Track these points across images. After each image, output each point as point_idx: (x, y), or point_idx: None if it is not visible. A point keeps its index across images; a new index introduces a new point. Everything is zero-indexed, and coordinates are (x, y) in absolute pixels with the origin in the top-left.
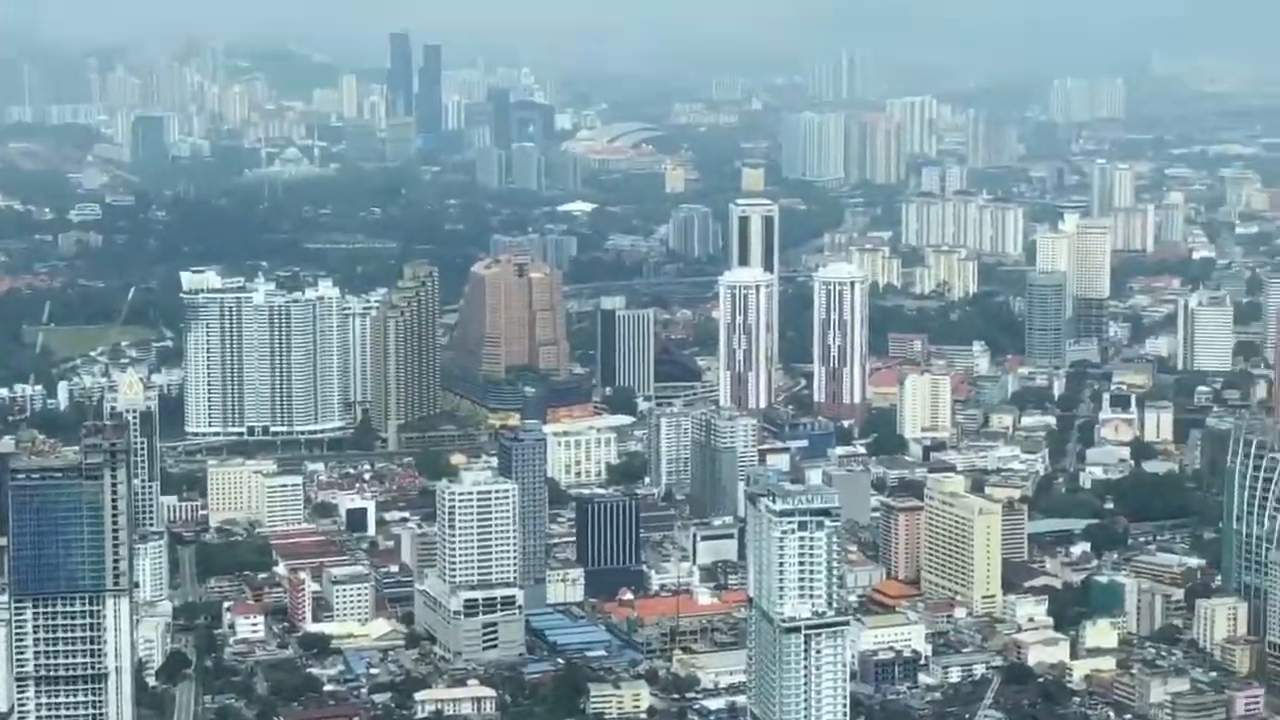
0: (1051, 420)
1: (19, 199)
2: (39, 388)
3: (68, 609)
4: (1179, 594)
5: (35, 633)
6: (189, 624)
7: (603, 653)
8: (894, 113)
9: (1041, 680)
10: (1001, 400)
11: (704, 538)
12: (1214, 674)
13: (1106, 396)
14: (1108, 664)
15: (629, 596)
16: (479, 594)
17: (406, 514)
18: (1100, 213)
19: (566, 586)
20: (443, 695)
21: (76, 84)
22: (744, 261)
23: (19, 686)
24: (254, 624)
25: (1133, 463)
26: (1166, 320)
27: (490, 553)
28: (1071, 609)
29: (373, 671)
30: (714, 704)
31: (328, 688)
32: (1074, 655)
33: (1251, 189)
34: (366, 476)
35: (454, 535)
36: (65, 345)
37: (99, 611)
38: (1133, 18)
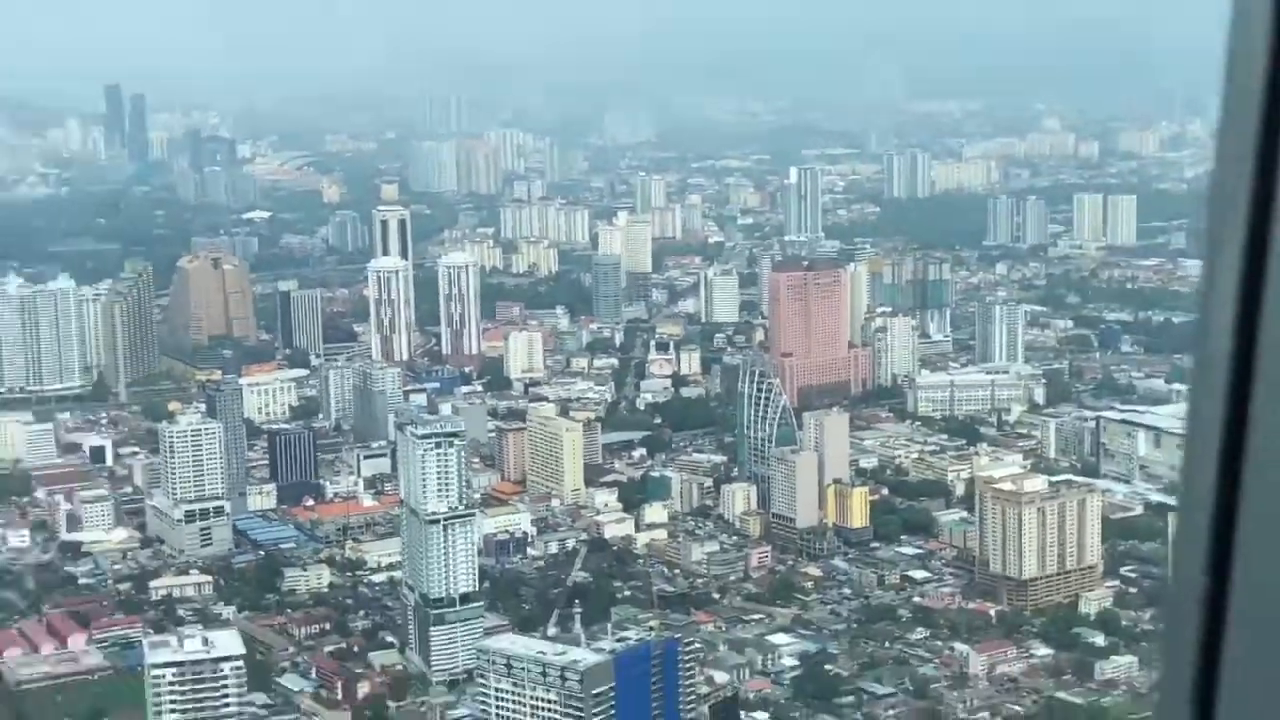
0: (615, 361)
1: None
2: None
3: None
4: (709, 482)
5: None
6: None
7: (293, 545)
8: (491, 139)
9: (615, 549)
10: (578, 348)
11: (365, 457)
12: (735, 538)
13: (653, 343)
14: (661, 535)
15: (311, 503)
16: (196, 505)
17: (136, 449)
18: (641, 211)
19: (263, 497)
20: (171, 582)
21: None
22: (385, 253)
23: None
24: (21, 536)
25: (674, 390)
26: (692, 288)
27: (203, 474)
28: (635, 496)
29: (116, 568)
30: (378, 578)
31: (82, 581)
32: (637, 529)
33: (746, 192)
34: (104, 422)
35: (174, 462)
36: None
37: None
38: (667, 65)
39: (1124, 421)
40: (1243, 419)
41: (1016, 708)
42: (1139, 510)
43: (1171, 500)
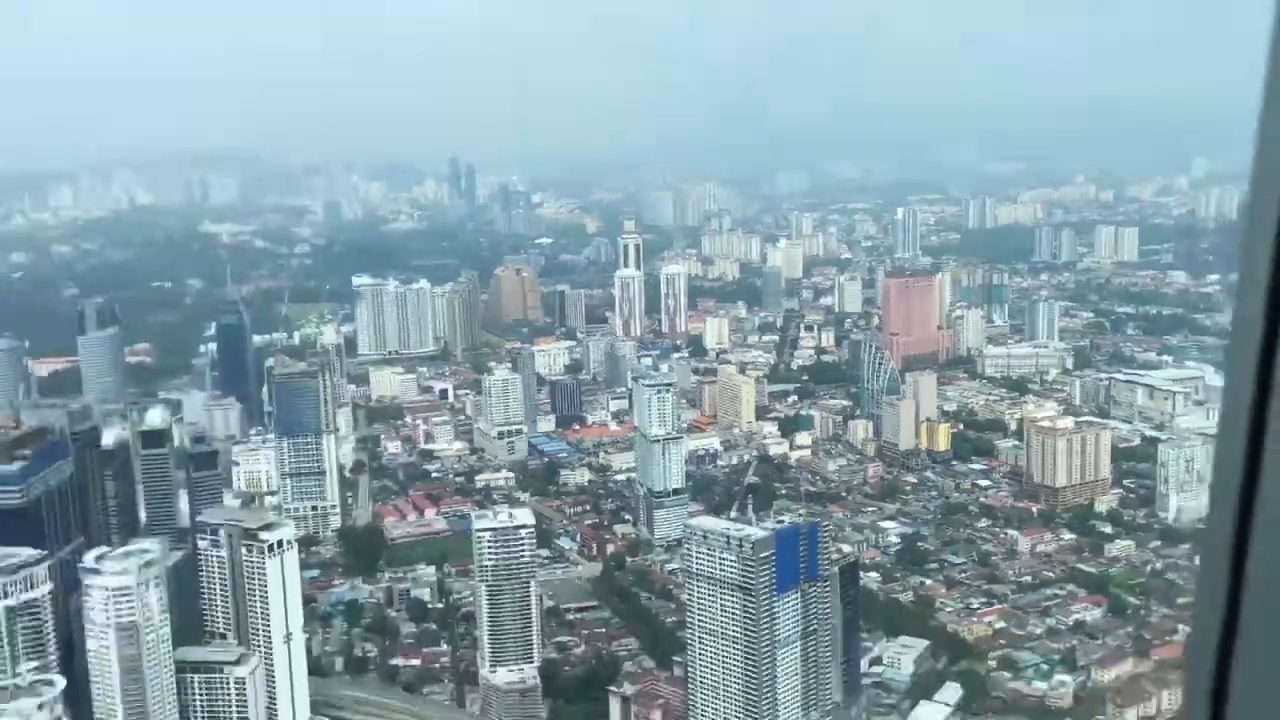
0: (776, 338)
1: (268, 241)
2: (283, 335)
3: (303, 441)
4: (840, 418)
5: (289, 454)
6: (362, 447)
7: (565, 454)
8: (696, 190)
9: (775, 462)
10: (752, 329)
11: (612, 399)
12: (857, 456)
13: (802, 325)
14: (807, 453)
15: (576, 428)
16: (504, 428)
17: (467, 391)
18: (796, 237)
19: (546, 423)
20: (489, 477)
21: (289, 188)
22: (626, 265)
23: (282, 479)
24: (395, 445)
25: (816, 357)
26: (829, 289)
27: (509, 408)
28: (789, 427)
29: (454, 467)
30: (620, 477)
31: (434, 475)
32: (791, 449)
33: (868, 224)
34: (447, 374)
35: (491, 400)
36: (298, 314)
37: (317, 442)
38: (813, 137)
39: (1127, 381)
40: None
41: (1049, 574)
42: (1137, 442)
43: (1160, 435)
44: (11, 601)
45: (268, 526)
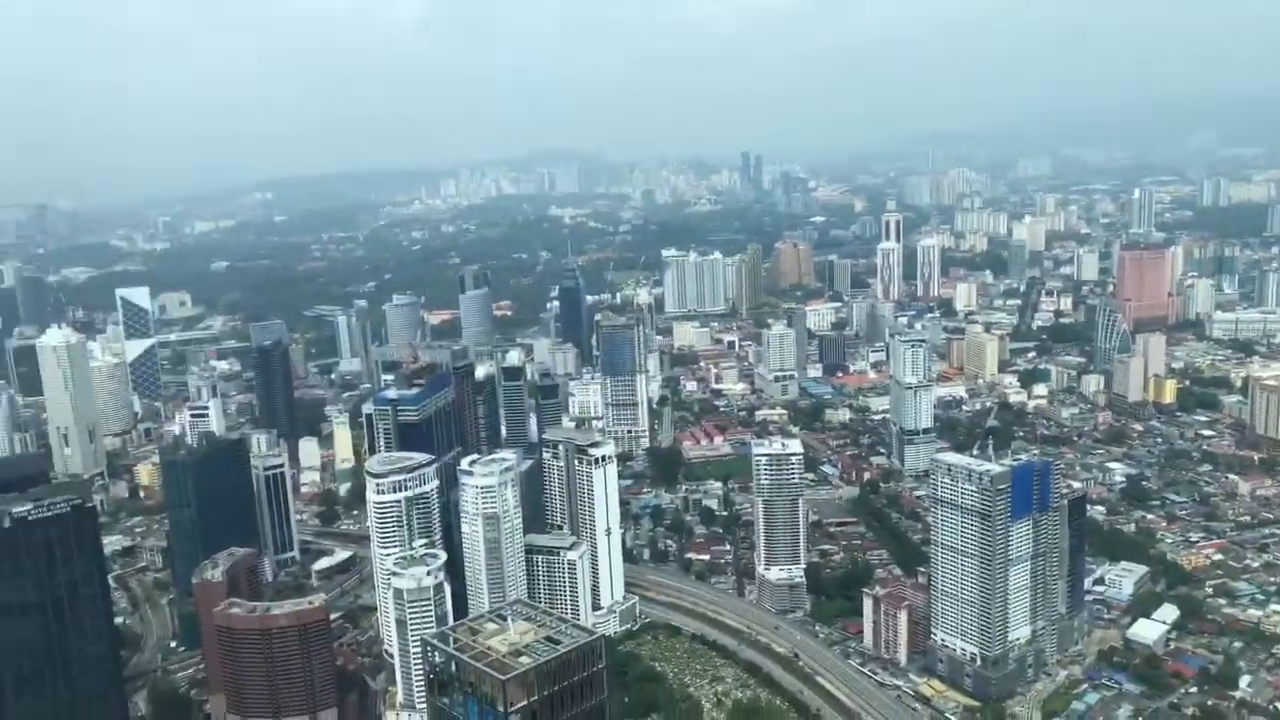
0: (1019, 302)
1: (598, 222)
2: (608, 295)
3: (622, 378)
4: (1075, 373)
5: (611, 388)
6: (666, 385)
7: (830, 396)
8: (950, 175)
9: (1015, 409)
10: (998, 294)
11: (871, 351)
12: (1089, 406)
13: (1043, 291)
14: (1044, 402)
15: (840, 375)
16: (780, 373)
17: (750, 342)
18: (1040, 215)
19: (815, 370)
20: (765, 413)
21: (614, 179)
22: (888, 239)
23: (605, 408)
24: (691, 385)
25: (1055, 319)
26: (1069, 260)
27: (784, 357)
28: (1028, 379)
29: (739, 403)
30: (877, 417)
31: (722, 409)
32: (1029, 398)
33: (1105, 204)
34: (734, 328)
35: (769, 350)
36: (620, 279)
37: (632, 380)
38: (1056, 125)
39: None
40: None
41: (1268, 515)
42: None
43: None
44: (409, 493)
45: (595, 444)
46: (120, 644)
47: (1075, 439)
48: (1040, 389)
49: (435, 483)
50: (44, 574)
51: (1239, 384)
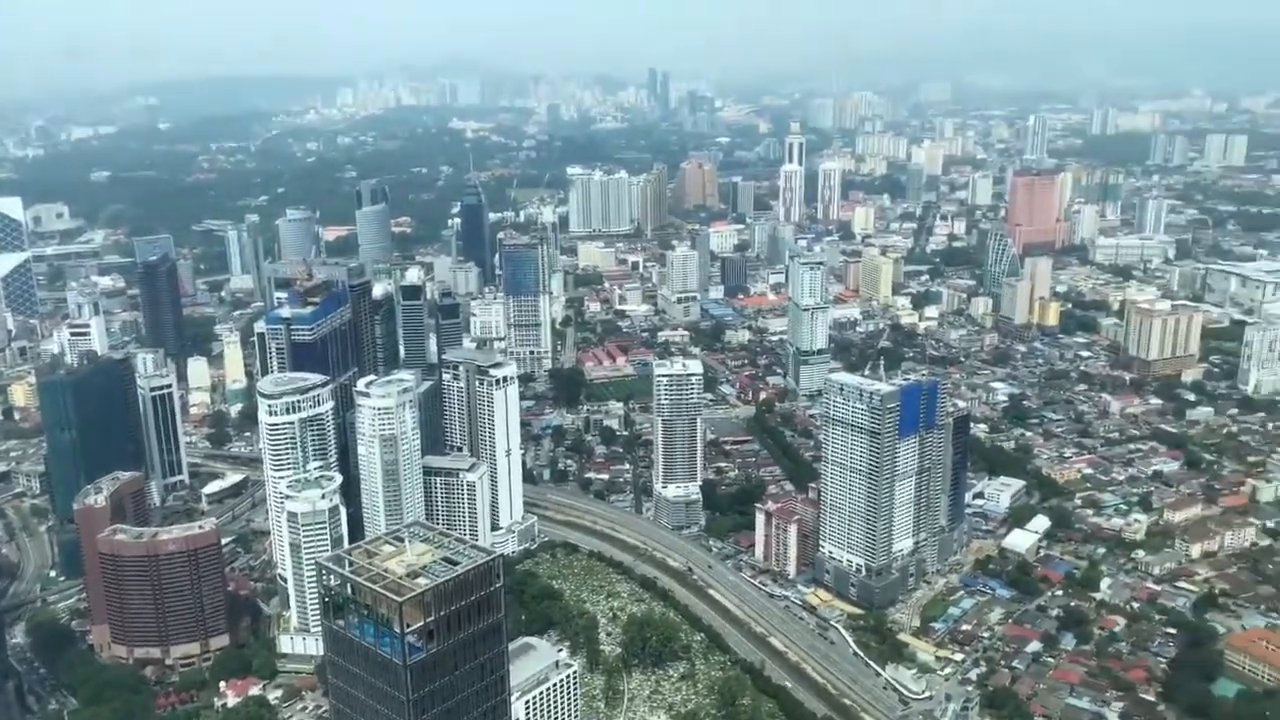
0: (915, 225)
1: (502, 136)
2: (511, 213)
3: (525, 299)
4: (965, 295)
5: (514, 309)
6: (570, 306)
7: (730, 317)
8: (854, 99)
9: (906, 330)
10: (894, 218)
11: (771, 274)
12: (977, 328)
13: (938, 216)
14: (934, 324)
15: (741, 296)
16: (682, 294)
17: (654, 264)
18: (938, 139)
19: (716, 291)
20: (668, 334)
21: (519, 92)
22: (790, 161)
23: (508, 328)
24: (595, 305)
25: (948, 242)
26: (964, 185)
27: (687, 278)
28: (921, 301)
29: (641, 324)
30: (774, 338)
31: (625, 330)
32: (920, 320)
33: (1002, 129)
34: (638, 249)
35: (673, 271)
36: (524, 197)
37: (535, 300)
38: (964, 53)
39: (1223, 271)
40: None
41: (1135, 432)
42: (1226, 324)
43: (1248, 319)
44: (303, 415)
45: (496, 365)
46: None
47: (962, 359)
48: (932, 311)
49: (330, 404)
50: None
51: (1116, 307)
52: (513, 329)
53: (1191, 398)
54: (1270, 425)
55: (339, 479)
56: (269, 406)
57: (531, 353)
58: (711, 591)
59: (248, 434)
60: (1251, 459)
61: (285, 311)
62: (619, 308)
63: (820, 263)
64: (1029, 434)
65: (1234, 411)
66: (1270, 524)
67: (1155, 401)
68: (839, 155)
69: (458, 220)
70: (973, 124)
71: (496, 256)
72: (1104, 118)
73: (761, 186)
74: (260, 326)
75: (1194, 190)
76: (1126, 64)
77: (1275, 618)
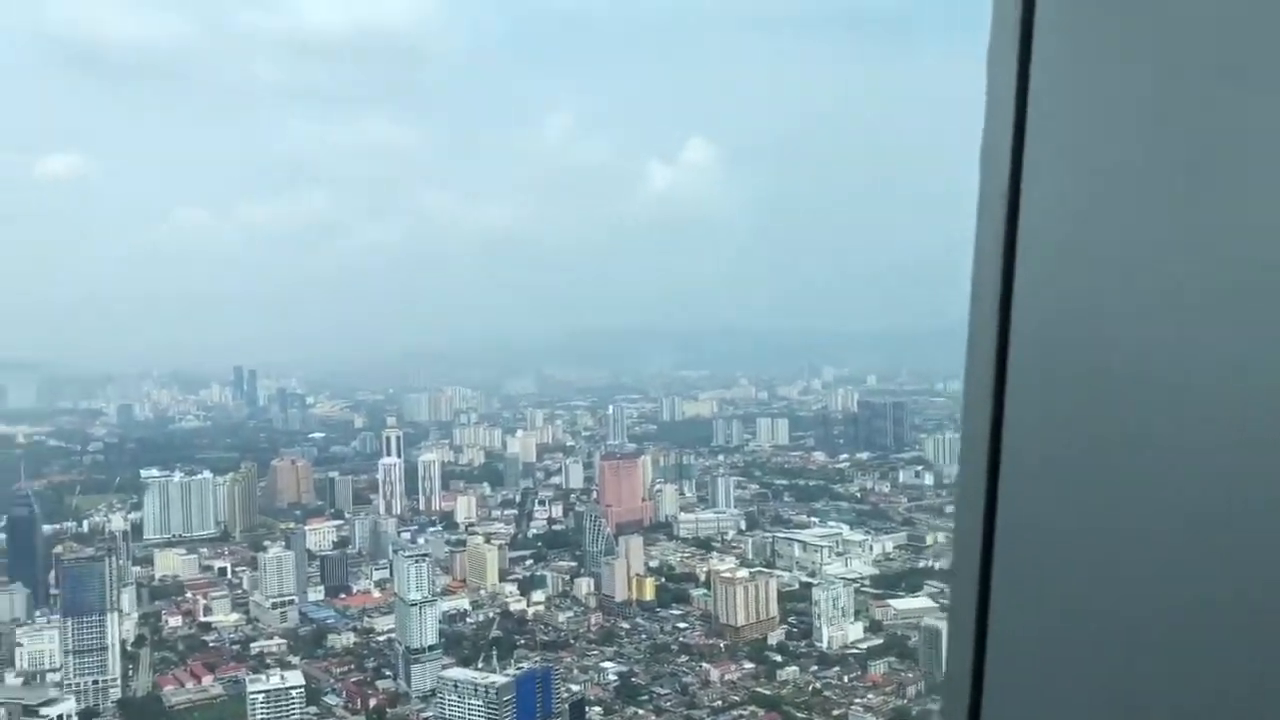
0: (516, 511)
1: (62, 440)
2: (72, 523)
3: (87, 619)
4: (568, 577)
5: (73, 632)
6: (144, 622)
7: (331, 621)
8: None
9: (516, 617)
10: (495, 506)
11: (375, 570)
12: (582, 608)
13: (536, 500)
14: (541, 608)
15: (344, 596)
16: (282, 598)
17: (244, 568)
18: (530, 430)
19: (315, 593)
20: (263, 644)
21: (85, 393)
22: (388, 454)
23: (65, 656)
24: (175, 619)
25: (548, 526)
26: (558, 470)
27: (281, 581)
28: (528, 586)
29: (232, 637)
30: (383, 637)
31: (211, 645)
32: (528, 605)
33: (586, 419)
34: (226, 552)
35: (266, 575)
36: (88, 504)
37: (101, 620)
38: None
39: (785, 538)
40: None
41: (735, 697)
42: (796, 587)
43: (812, 580)
44: None
45: (48, 702)
46: None
47: (572, 641)
48: (538, 595)
49: None
50: None
51: (703, 578)
52: (72, 656)
53: (779, 659)
54: (846, 678)
55: None
56: None
57: (95, 683)
58: None
59: None
60: (836, 712)
61: None
62: (203, 619)
63: (425, 554)
64: (641, 711)
65: (815, 668)
66: None
67: (749, 665)
68: (437, 447)
69: (2, 536)
70: (560, 413)
71: (52, 573)
72: (672, 405)
73: (360, 480)
74: None
75: (753, 467)
76: (685, 358)
77: None
